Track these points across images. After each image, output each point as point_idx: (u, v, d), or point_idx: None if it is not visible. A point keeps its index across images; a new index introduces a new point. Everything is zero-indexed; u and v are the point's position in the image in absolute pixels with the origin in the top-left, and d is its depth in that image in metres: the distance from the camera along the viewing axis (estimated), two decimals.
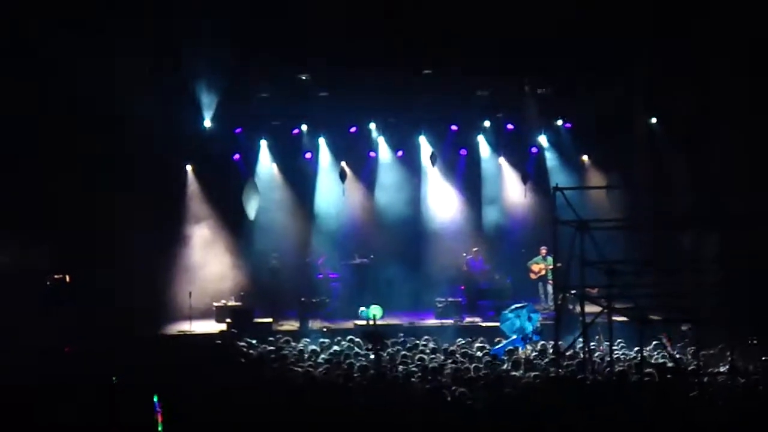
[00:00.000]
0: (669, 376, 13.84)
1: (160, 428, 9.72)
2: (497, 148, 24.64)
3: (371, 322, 19.28)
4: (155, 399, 9.86)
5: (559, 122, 24.04)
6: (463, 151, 24.59)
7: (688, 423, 10.87)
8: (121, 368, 12.98)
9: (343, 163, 24.04)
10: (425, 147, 24.21)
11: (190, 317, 20.95)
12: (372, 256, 23.22)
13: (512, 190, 24.66)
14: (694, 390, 12.96)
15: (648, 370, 14.56)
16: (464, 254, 23.10)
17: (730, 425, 10.68)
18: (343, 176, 23.65)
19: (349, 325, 20.76)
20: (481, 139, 24.52)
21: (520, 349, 17.35)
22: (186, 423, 10.20)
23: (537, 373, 14.84)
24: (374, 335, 16.25)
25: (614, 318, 15.66)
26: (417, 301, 22.59)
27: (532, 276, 22.81)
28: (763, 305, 15.45)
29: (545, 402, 12.00)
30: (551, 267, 21.77)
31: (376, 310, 20.34)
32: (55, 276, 20.00)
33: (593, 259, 15.06)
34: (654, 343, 16.81)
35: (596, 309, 16.11)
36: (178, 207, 22.88)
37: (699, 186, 21.12)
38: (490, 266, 23.20)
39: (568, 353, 16.30)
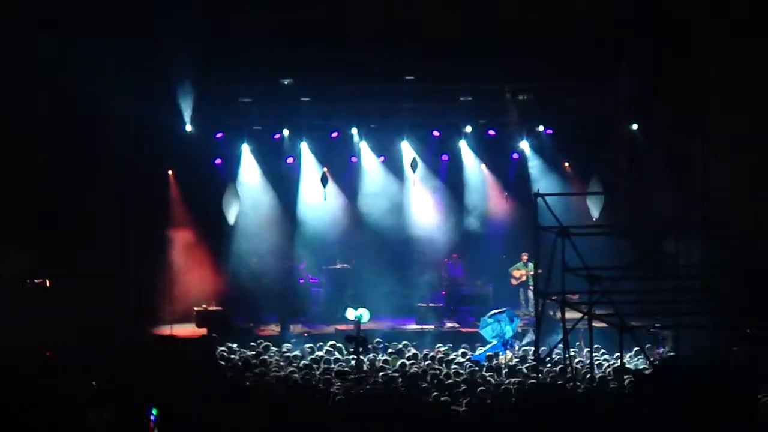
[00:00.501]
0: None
1: None
2: (479, 154, 24.64)
3: (357, 324, 19.25)
4: (154, 411, 9.74)
5: (541, 128, 24.00)
6: (444, 157, 24.60)
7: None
8: (102, 373, 12.89)
9: (325, 169, 24.05)
10: (407, 152, 24.22)
11: (171, 321, 20.89)
12: (353, 261, 23.18)
13: (494, 196, 24.72)
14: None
15: (627, 376, 14.62)
16: (444, 260, 23.09)
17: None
18: (324, 181, 23.62)
19: (330, 330, 20.74)
20: (462, 145, 24.51)
21: (500, 354, 17.38)
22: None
23: (518, 379, 14.87)
24: (357, 339, 16.28)
25: (595, 324, 15.70)
26: (398, 306, 22.50)
27: (513, 282, 22.86)
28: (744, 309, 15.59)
29: (526, 408, 12.02)
30: (532, 273, 21.83)
31: (364, 313, 20.27)
32: (36, 280, 19.85)
33: (574, 266, 15.08)
34: (635, 348, 16.85)
35: (577, 315, 16.13)
36: (159, 211, 22.71)
37: (680, 191, 21.14)
38: (467, 273, 23.14)
39: (548, 359, 16.36)
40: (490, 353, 17.34)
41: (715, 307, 16.37)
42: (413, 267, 23.77)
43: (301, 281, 22.91)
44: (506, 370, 15.88)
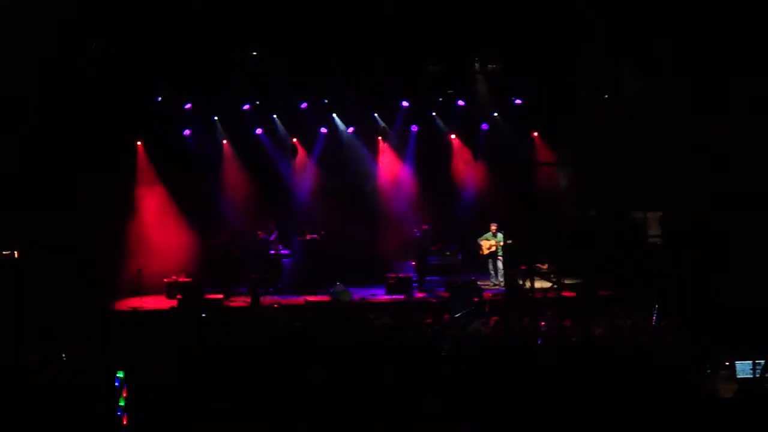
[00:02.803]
0: None
1: (122, 403, 9.63)
2: (449, 124, 24.69)
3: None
4: (119, 375, 9.78)
5: (511, 99, 24.04)
6: (414, 128, 24.63)
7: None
8: (72, 344, 12.86)
9: (294, 139, 24.05)
10: (376, 123, 24.26)
11: (140, 293, 20.89)
12: (323, 233, 23.20)
13: (463, 166, 24.83)
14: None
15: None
16: (414, 230, 23.13)
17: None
18: (294, 152, 23.62)
19: (300, 301, 20.77)
20: (432, 116, 24.56)
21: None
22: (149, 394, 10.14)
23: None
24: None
25: (564, 293, 15.89)
26: (368, 276, 22.58)
27: (483, 252, 22.94)
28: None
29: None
30: (501, 243, 21.98)
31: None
32: (3, 252, 19.70)
33: (543, 236, 15.24)
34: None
35: (546, 284, 16.31)
36: (127, 182, 22.62)
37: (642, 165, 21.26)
38: (438, 243, 23.22)
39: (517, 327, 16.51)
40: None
41: None
42: (383, 238, 23.88)
43: (272, 252, 22.90)
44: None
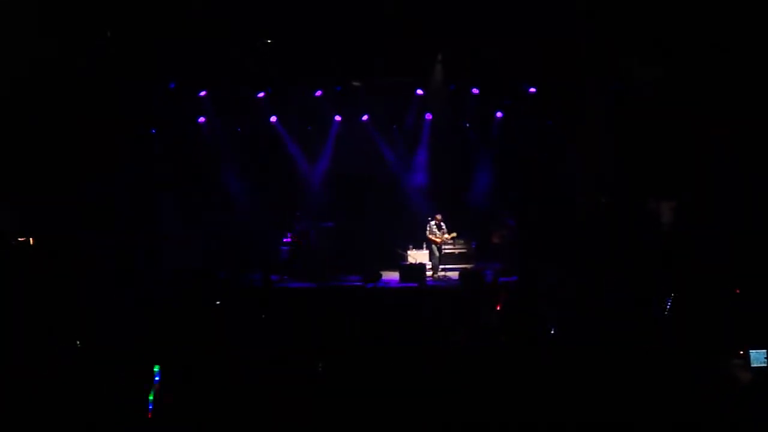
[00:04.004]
0: None
1: (151, 398, 9.47)
2: (462, 113, 24.69)
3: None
4: (155, 369, 9.53)
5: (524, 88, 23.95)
6: (428, 116, 24.64)
7: None
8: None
9: (310, 127, 24.19)
10: (390, 111, 24.33)
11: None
12: (332, 224, 23.42)
13: (477, 155, 24.88)
14: None
15: None
16: (428, 219, 23.12)
17: None
18: (309, 139, 23.76)
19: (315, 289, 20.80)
20: (446, 104, 24.52)
21: None
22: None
23: None
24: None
25: None
26: (381, 264, 22.59)
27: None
28: None
29: None
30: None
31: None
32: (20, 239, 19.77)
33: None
34: None
35: None
36: (144, 170, 22.74)
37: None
38: (451, 232, 23.22)
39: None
40: None
41: None
42: (396, 225, 23.99)
43: (287, 239, 23.01)
44: None
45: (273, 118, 24.18)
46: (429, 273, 22.17)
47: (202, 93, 23.23)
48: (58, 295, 17.07)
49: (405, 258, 22.44)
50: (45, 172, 19.50)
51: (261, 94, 23.68)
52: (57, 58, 18.69)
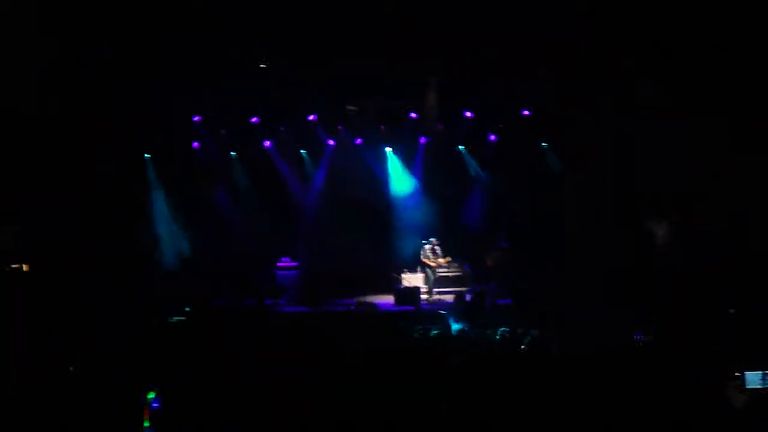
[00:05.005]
0: None
1: (146, 424, 9.31)
2: (457, 136, 24.66)
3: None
4: (150, 396, 9.36)
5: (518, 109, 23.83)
6: (422, 139, 24.64)
7: None
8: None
9: (303, 151, 24.19)
10: (384, 134, 24.33)
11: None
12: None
13: (468, 178, 24.89)
14: None
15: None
16: (422, 242, 23.09)
17: None
18: (301, 164, 23.78)
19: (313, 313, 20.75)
20: (440, 128, 24.49)
21: None
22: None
23: None
24: None
25: None
26: (375, 287, 22.61)
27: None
28: None
29: None
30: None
31: None
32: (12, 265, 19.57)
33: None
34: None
35: None
36: (137, 197, 22.67)
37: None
38: (445, 255, 23.15)
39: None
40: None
41: None
42: (390, 247, 23.96)
43: (281, 264, 22.99)
44: None
45: (267, 143, 24.16)
46: (424, 296, 22.08)
47: (197, 118, 23.19)
48: (58, 294, 17.21)
49: (400, 281, 22.37)
50: (45, 173, 19.40)
51: (255, 119, 23.63)
52: (57, 58, 18.64)
